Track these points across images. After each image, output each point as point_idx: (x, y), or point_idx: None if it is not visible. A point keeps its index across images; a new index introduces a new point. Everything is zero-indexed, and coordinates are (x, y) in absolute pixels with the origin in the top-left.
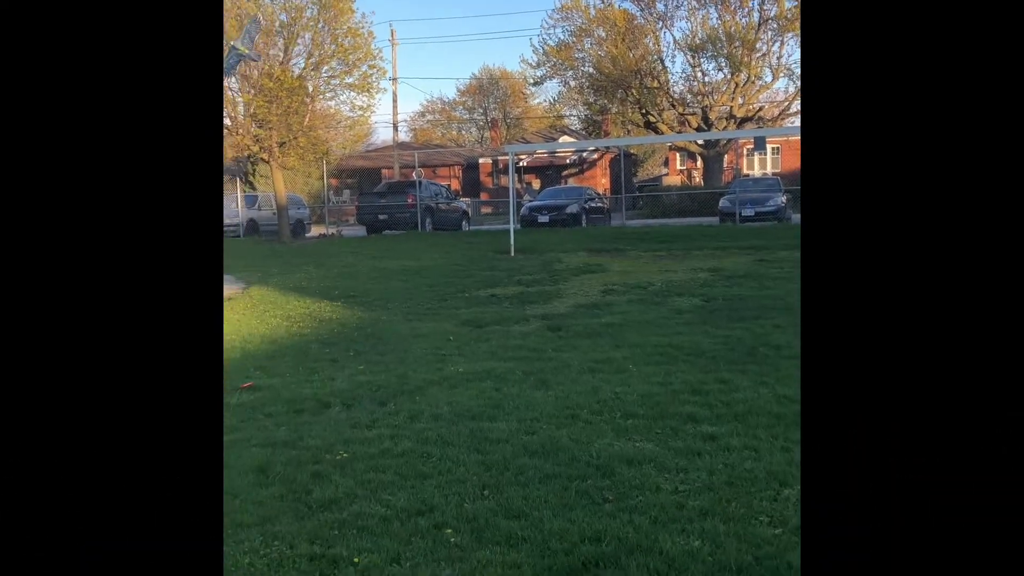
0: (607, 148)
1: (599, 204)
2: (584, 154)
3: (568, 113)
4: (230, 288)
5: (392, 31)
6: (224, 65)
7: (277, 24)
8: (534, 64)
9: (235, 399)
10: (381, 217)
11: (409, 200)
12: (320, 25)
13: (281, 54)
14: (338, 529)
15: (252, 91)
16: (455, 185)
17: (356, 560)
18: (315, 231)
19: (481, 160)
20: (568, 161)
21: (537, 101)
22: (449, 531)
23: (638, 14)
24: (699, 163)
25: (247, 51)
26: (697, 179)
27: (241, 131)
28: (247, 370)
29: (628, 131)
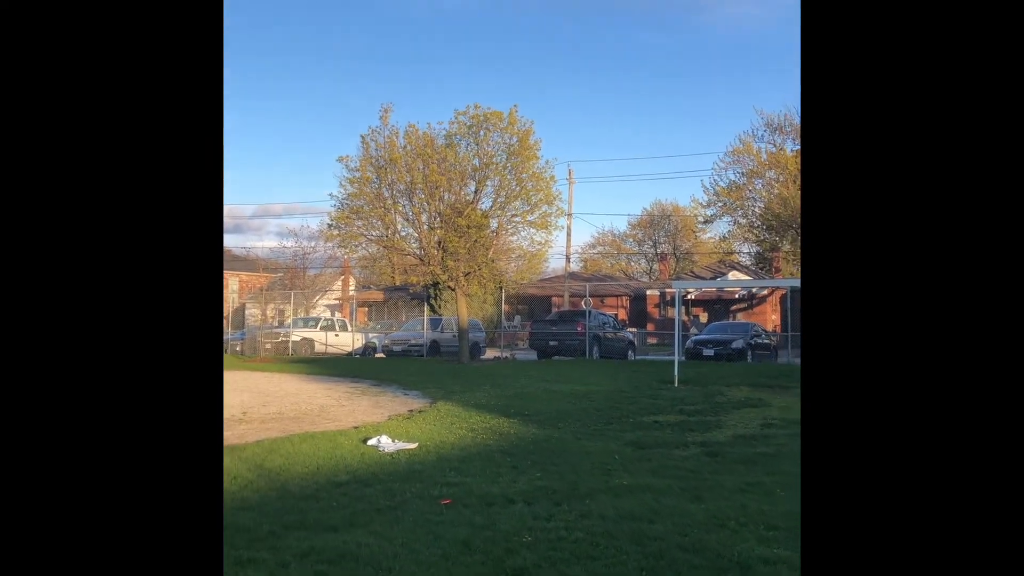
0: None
1: (766, 340)
2: (754, 289)
3: (738, 249)
4: (420, 402)
5: (570, 171)
6: None
7: (470, 168)
8: (704, 203)
9: (436, 491)
10: (552, 343)
11: (579, 328)
12: (508, 170)
13: (472, 195)
14: None
15: (444, 227)
16: (622, 315)
17: None
18: (490, 353)
19: (648, 292)
20: (737, 296)
21: (708, 236)
22: None
23: None
24: None
25: None
26: None
27: (432, 262)
28: (444, 471)
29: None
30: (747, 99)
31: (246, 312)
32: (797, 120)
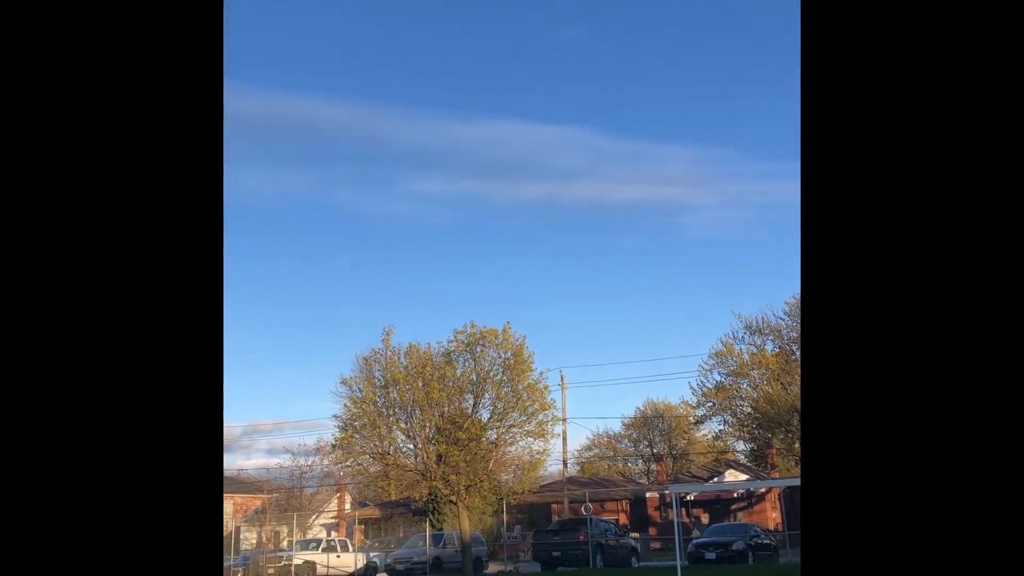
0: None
1: (766, 541)
2: (752, 488)
3: (733, 446)
4: None
5: (562, 377)
6: None
7: (467, 383)
8: (694, 404)
9: None
10: (555, 554)
11: (581, 537)
12: (504, 384)
13: (470, 408)
14: None
15: (443, 440)
16: (623, 519)
17: None
18: (492, 567)
19: (648, 495)
20: (735, 495)
21: (702, 433)
22: None
23: (796, 352)
24: None
25: None
26: None
27: (434, 476)
28: None
29: (796, 462)
30: (727, 300)
31: (241, 535)
32: (774, 322)
